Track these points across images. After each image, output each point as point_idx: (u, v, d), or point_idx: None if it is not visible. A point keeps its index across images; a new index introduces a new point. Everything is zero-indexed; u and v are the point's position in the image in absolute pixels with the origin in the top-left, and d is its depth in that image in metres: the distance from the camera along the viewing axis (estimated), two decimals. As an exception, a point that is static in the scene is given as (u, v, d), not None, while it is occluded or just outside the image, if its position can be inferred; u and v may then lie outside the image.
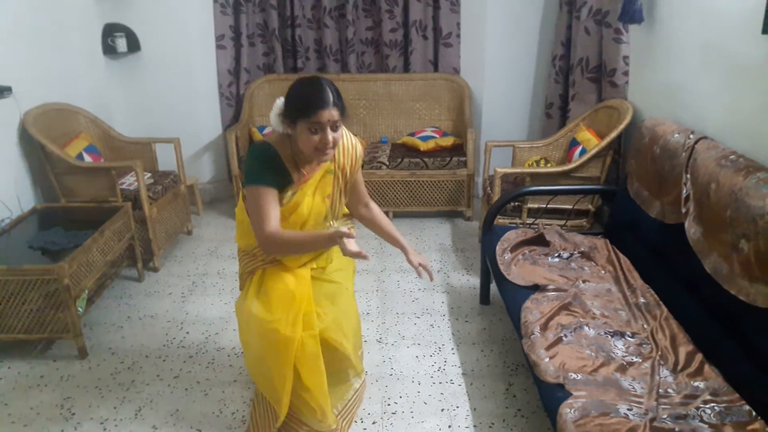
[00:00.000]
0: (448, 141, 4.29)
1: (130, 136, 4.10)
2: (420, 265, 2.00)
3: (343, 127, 1.94)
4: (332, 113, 1.80)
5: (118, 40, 4.19)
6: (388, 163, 4.17)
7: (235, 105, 4.66)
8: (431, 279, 2.02)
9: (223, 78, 4.57)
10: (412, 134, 4.39)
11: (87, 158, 3.60)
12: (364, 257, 1.72)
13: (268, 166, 1.90)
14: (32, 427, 2.36)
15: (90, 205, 3.40)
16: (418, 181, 4.18)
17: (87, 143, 3.71)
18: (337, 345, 2.13)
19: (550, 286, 2.40)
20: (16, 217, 3.26)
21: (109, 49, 4.21)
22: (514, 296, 2.39)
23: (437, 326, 2.98)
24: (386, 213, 4.26)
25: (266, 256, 2.05)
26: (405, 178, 4.17)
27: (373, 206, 2.27)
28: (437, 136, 4.31)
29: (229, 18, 4.48)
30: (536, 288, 2.40)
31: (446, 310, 3.12)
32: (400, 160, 4.17)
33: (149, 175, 3.79)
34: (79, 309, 2.78)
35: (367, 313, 3.10)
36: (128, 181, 3.66)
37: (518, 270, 2.57)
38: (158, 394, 2.55)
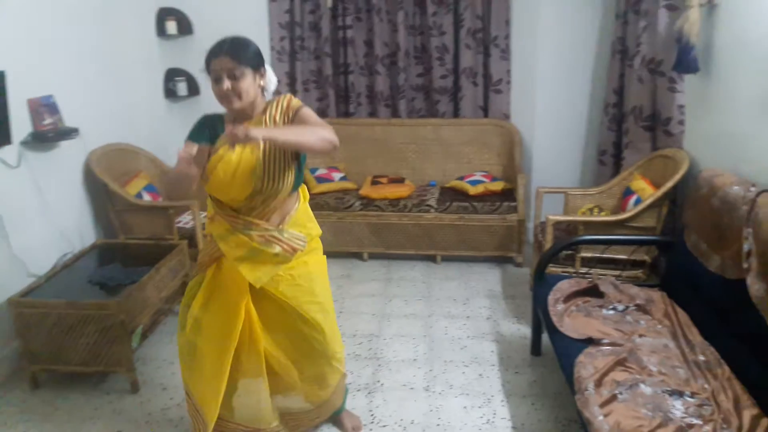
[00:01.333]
0: (497, 186, 4.28)
1: (187, 176, 4.23)
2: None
3: (301, 105, 2.02)
4: (224, 61, 1.89)
5: (179, 84, 4.39)
6: (436, 206, 4.18)
7: (288, 147, 4.77)
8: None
9: (277, 121, 4.70)
10: (461, 178, 4.41)
11: (146, 197, 3.73)
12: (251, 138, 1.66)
13: (200, 124, 2.07)
14: (84, 462, 2.41)
15: (147, 242, 3.50)
16: (467, 225, 4.16)
17: (146, 182, 3.85)
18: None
19: (605, 340, 2.33)
20: (77, 252, 3.39)
21: (169, 93, 4.40)
22: (567, 349, 2.34)
23: (486, 376, 2.92)
24: (434, 256, 4.29)
25: (215, 245, 2.08)
26: (453, 221, 4.17)
27: None
28: (487, 180, 4.32)
29: (285, 65, 4.63)
30: (590, 341, 2.34)
31: (496, 359, 3.06)
32: (448, 203, 4.18)
33: (204, 214, 3.89)
34: (134, 344, 2.85)
35: (414, 360, 3.07)
36: (185, 220, 3.78)
37: (571, 322, 2.51)
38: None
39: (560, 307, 2.63)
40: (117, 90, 3.94)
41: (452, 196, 4.29)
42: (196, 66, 4.47)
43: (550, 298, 2.69)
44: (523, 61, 4.38)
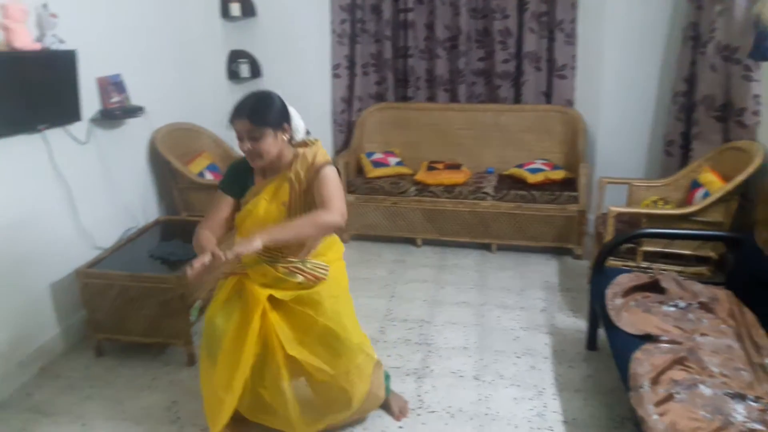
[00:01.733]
0: (558, 174, 4.18)
1: (247, 156, 4.32)
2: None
3: (317, 143, 2.12)
4: (243, 123, 1.96)
5: (241, 66, 4.46)
6: (493, 194, 4.11)
7: (346, 131, 4.79)
8: None
9: (336, 105, 4.73)
10: (521, 166, 4.32)
11: (208, 176, 3.82)
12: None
13: (231, 174, 2.18)
14: (141, 427, 2.51)
15: (207, 220, 3.58)
16: (525, 215, 4.08)
17: (209, 162, 3.94)
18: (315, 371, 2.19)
19: (664, 337, 2.25)
20: (141, 227, 3.51)
21: (232, 75, 4.48)
22: (624, 344, 2.26)
23: (538, 368, 2.87)
24: (489, 245, 4.23)
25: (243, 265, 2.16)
26: (510, 210, 4.09)
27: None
28: (547, 168, 4.21)
29: (345, 48, 4.63)
30: (648, 338, 2.26)
31: (549, 352, 3.00)
32: (506, 191, 4.10)
33: (262, 194, 3.96)
34: (192, 318, 2.93)
35: (465, 348, 3.05)
36: (243, 200, 3.85)
37: (629, 317, 2.43)
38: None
39: (618, 301, 2.54)
40: (181, 70, 4.03)
41: (510, 184, 4.21)
42: (258, 48, 4.55)
43: (609, 291, 2.61)
44: (589, 46, 4.23)
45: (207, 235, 2.08)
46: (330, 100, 4.73)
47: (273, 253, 2.10)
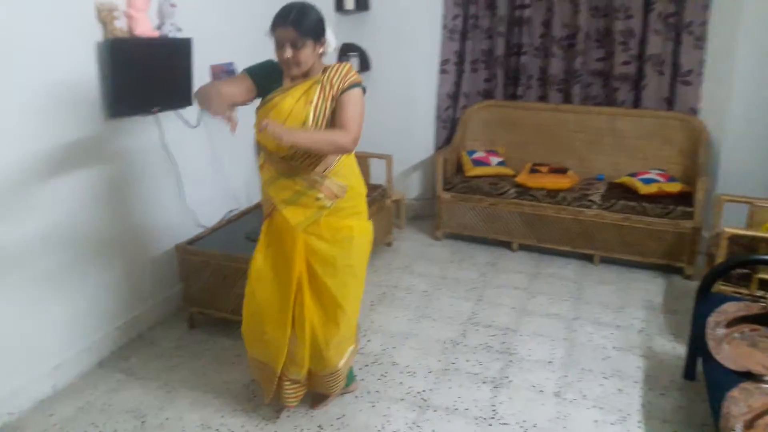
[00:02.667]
0: (674, 187, 3.86)
1: (350, 148, 4.37)
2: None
3: (355, 82, 2.13)
4: (287, 31, 2.01)
5: (351, 59, 4.51)
6: (600, 202, 3.88)
7: (449, 128, 4.72)
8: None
9: (442, 101, 4.67)
10: (633, 175, 4.03)
11: (308, 165, 3.91)
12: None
13: (263, 67, 2.24)
14: (220, 399, 2.62)
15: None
16: (633, 227, 3.81)
17: (311, 151, 4.03)
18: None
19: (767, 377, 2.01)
20: (243, 209, 3.66)
21: (343, 67, 4.54)
22: (720, 379, 2.04)
23: (626, 393, 2.67)
24: (591, 257, 4.00)
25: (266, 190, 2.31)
26: (617, 221, 3.85)
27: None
28: (662, 179, 3.91)
29: (456, 44, 4.56)
30: (749, 376, 2.02)
31: (641, 376, 2.79)
32: (614, 201, 3.86)
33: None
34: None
35: (549, 362, 2.90)
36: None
37: (731, 350, 2.19)
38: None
39: (721, 331, 2.30)
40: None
41: (620, 193, 3.95)
42: (370, 41, 4.59)
43: (711, 319, 2.37)
44: (720, 52, 3.86)
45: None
46: (435, 95, 4.67)
47: (290, 164, 2.19)
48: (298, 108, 2.13)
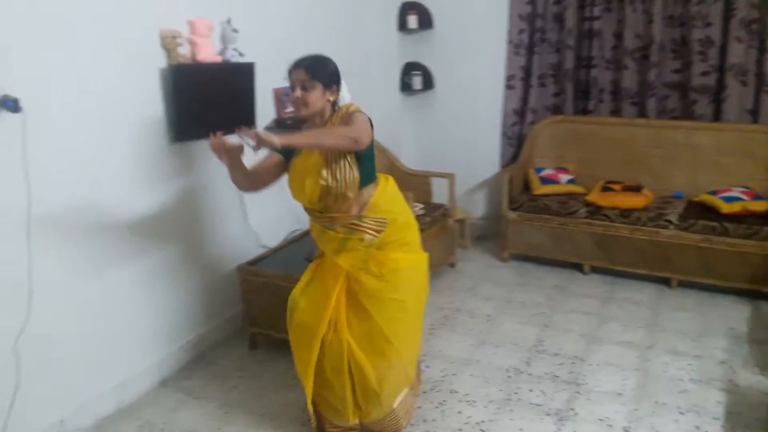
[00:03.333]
0: (760, 206, 3.58)
1: (414, 168, 4.34)
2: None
3: (356, 111, 2.22)
4: (300, 73, 2.17)
5: (414, 78, 4.50)
6: (677, 222, 3.65)
7: (516, 145, 4.59)
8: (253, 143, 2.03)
9: (507, 118, 4.55)
10: (714, 192, 3.77)
11: (370, 185, 3.89)
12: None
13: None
14: (276, 422, 2.63)
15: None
16: (714, 249, 3.56)
17: (373, 171, 4.02)
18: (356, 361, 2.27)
19: None
20: (304, 230, 3.68)
21: (405, 86, 4.53)
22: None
23: (704, 430, 2.46)
24: (668, 280, 3.75)
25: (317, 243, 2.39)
26: (696, 242, 3.60)
27: None
28: (746, 198, 3.63)
29: (522, 59, 4.44)
30: None
31: (722, 412, 2.57)
32: (693, 221, 3.62)
33: (421, 206, 3.94)
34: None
35: (619, 394, 2.72)
36: (417, 207, 3.86)
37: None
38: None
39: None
40: (356, 83, 4.13)
41: (699, 212, 3.70)
42: (433, 60, 4.56)
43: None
44: (813, 57, 3.58)
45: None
46: (501, 112, 4.56)
47: (328, 217, 2.26)
48: (311, 160, 2.22)
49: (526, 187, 4.34)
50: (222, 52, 3.03)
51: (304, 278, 2.42)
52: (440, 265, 4.02)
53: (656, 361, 2.98)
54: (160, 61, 2.77)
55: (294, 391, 2.84)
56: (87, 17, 2.43)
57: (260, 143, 1.99)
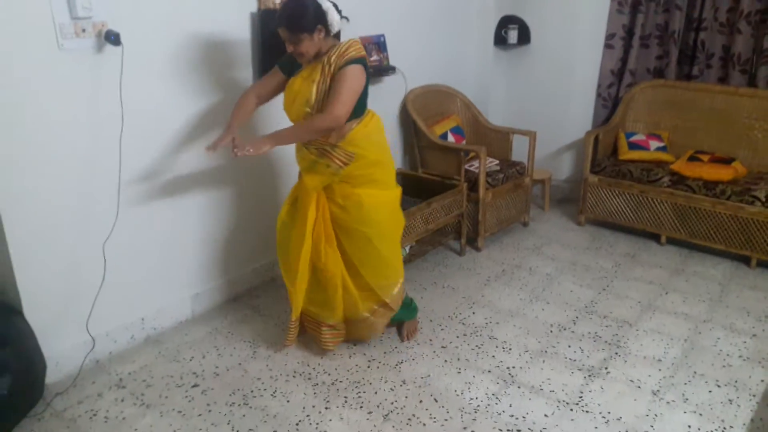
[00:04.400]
0: None
1: (500, 124, 4.37)
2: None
3: (351, 59, 2.33)
4: (283, 31, 2.32)
5: (510, 32, 4.46)
6: (764, 200, 3.44)
7: (610, 107, 4.46)
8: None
9: (604, 78, 4.41)
10: (818, 172, 3.50)
11: (450, 138, 4.00)
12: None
13: (289, 57, 2.49)
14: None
15: (437, 178, 3.78)
16: (806, 231, 3.34)
17: (455, 124, 4.12)
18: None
19: None
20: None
21: (500, 40, 4.51)
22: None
23: (736, 404, 2.42)
24: (748, 258, 3.57)
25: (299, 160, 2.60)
26: (786, 222, 3.39)
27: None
28: None
29: (624, 17, 4.26)
30: None
31: (760, 391, 2.50)
32: (785, 200, 3.40)
33: (497, 162, 3.99)
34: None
35: (658, 360, 2.72)
36: (476, 165, 3.94)
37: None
38: (421, 355, 2.79)
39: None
40: (447, 35, 4.23)
41: (795, 191, 3.47)
42: (531, 14, 4.50)
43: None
44: None
45: (247, 103, 2.55)
46: (598, 72, 4.42)
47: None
48: (304, 87, 2.41)
49: (615, 151, 4.24)
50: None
51: (288, 199, 2.68)
52: (511, 221, 4.08)
53: (708, 335, 2.92)
54: (252, 6, 3.03)
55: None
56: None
57: (240, 155, 2.28)
